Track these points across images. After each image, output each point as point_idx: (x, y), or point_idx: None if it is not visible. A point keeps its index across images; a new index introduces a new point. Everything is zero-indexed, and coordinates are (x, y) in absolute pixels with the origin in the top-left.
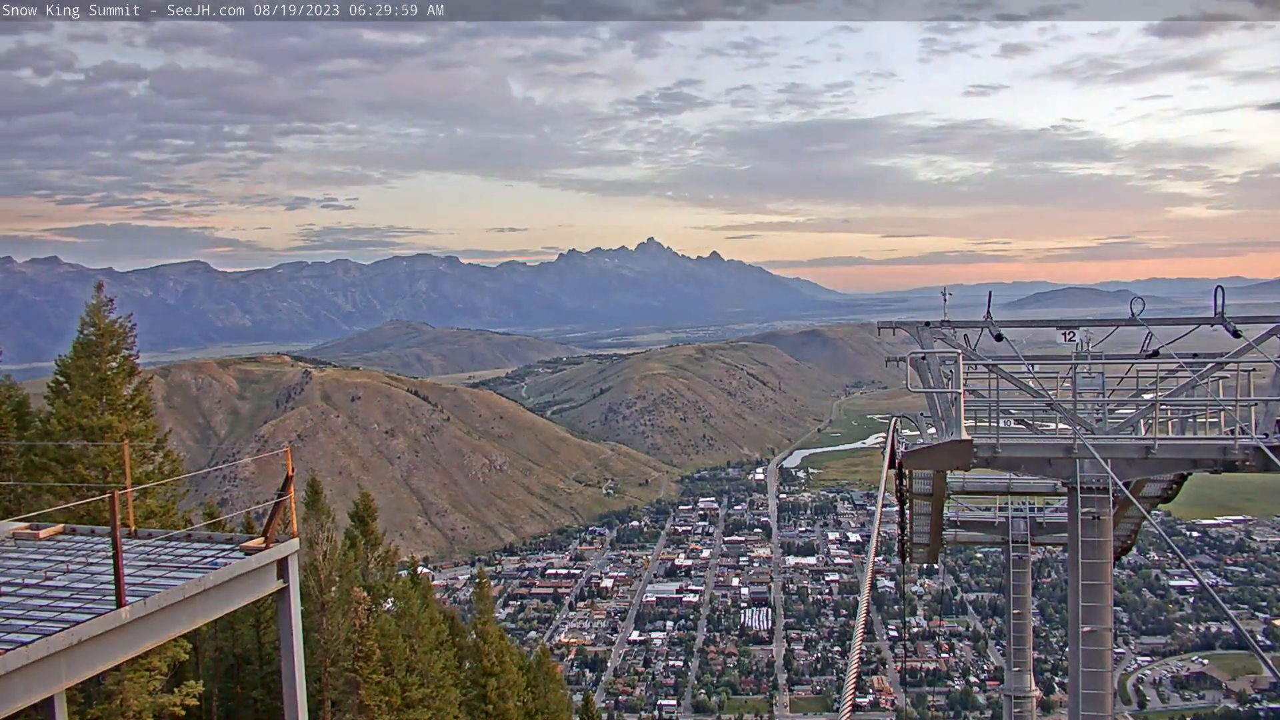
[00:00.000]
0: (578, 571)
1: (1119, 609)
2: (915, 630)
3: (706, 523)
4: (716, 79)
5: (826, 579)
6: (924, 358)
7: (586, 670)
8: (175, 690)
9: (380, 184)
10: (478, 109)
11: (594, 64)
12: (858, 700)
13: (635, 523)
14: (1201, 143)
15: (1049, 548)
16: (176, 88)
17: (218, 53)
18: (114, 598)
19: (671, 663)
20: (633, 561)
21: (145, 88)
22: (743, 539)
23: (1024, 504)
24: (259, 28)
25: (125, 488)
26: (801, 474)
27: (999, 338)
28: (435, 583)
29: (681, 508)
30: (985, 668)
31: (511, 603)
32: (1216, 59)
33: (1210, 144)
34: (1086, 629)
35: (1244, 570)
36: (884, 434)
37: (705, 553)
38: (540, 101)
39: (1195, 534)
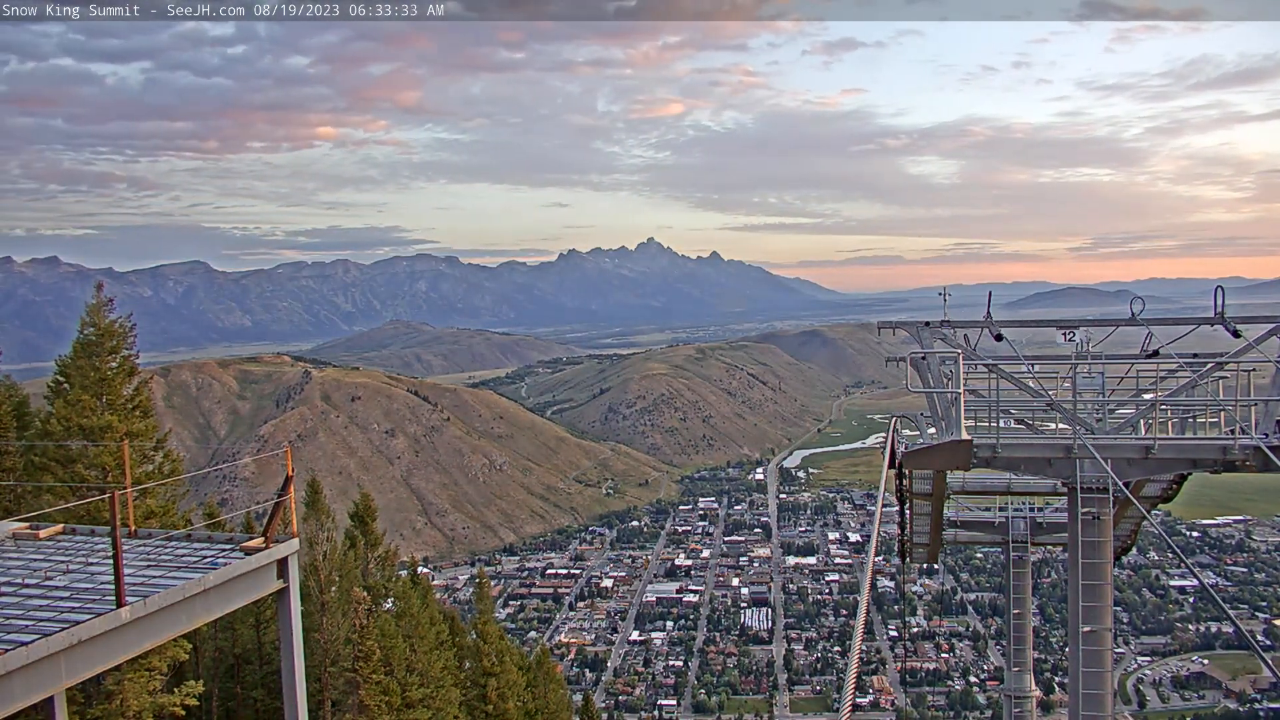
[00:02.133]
0: (578, 571)
1: (1119, 609)
2: (915, 630)
3: (706, 523)
4: (883, 87)
5: (826, 579)
6: (924, 358)
7: (586, 670)
8: (175, 690)
9: (405, 188)
10: (558, 120)
11: (775, 79)
12: (858, 700)
13: (635, 523)
14: (1242, 152)
15: (1049, 548)
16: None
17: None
18: (114, 598)
19: (671, 663)
20: (633, 561)
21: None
22: (743, 539)
23: (1024, 504)
24: (453, 31)
25: (125, 488)
26: (801, 474)
27: (999, 338)
28: (435, 583)
29: (681, 508)
30: (985, 668)
31: (511, 603)
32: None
33: (1247, 153)
34: (1086, 629)
35: (1244, 570)
36: (884, 434)
37: (705, 553)
38: (618, 110)
39: (1195, 534)
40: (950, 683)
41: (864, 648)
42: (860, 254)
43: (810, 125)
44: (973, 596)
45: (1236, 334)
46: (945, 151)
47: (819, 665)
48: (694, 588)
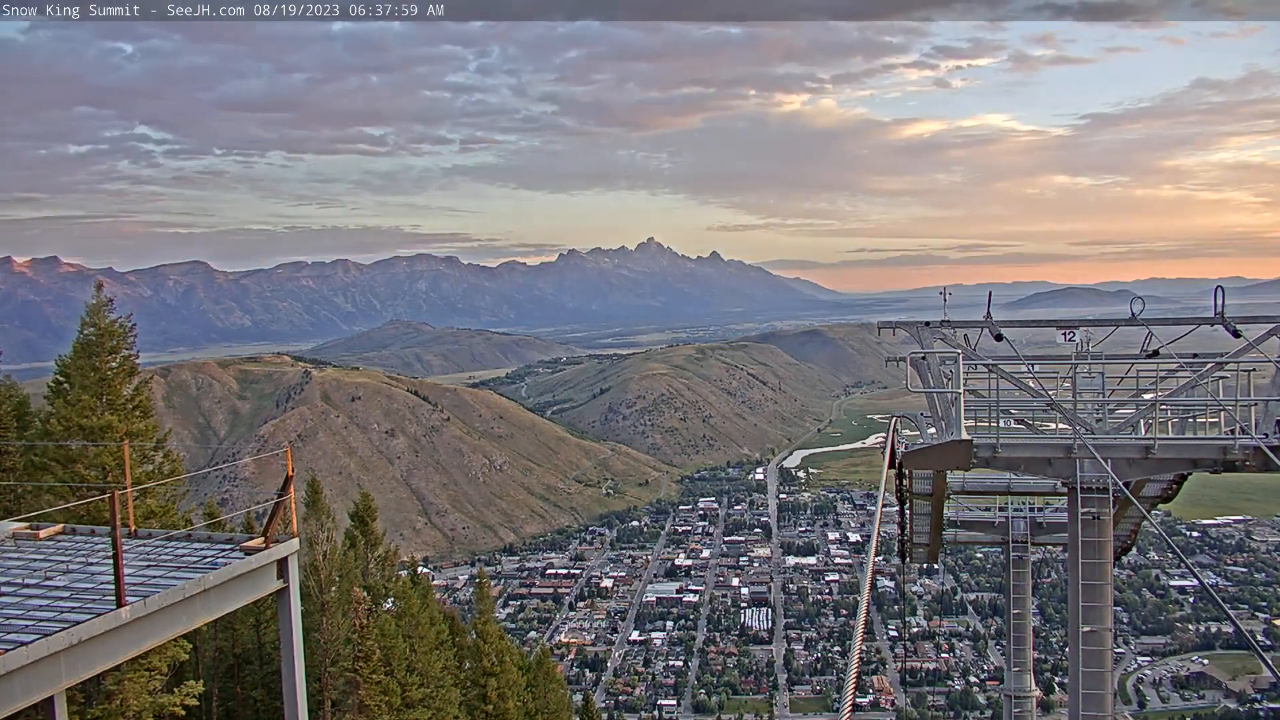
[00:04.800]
0: (578, 571)
1: (1119, 609)
2: (915, 630)
3: (706, 523)
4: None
5: (826, 579)
6: (924, 358)
7: (586, 670)
8: (175, 690)
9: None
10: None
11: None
12: (858, 700)
13: (635, 523)
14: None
15: (1049, 548)
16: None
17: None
18: (114, 598)
19: (671, 663)
20: (633, 561)
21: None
22: (743, 539)
23: (1024, 504)
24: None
25: (125, 488)
26: (801, 474)
27: (999, 338)
28: (435, 583)
29: (681, 508)
30: (985, 668)
31: (511, 603)
32: None
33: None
34: (1086, 629)
35: (1244, 570)
36: (884, 434)
37: (705, 553)
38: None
39: (1195, 534)
40: (950, 683)
41: (864, 648)
42: (861, 254)
43: (828, 129)
44: (973, 596)
45: (1236, 334)
46: (957, 159)
47: (819, 665)
48: (694, 588)
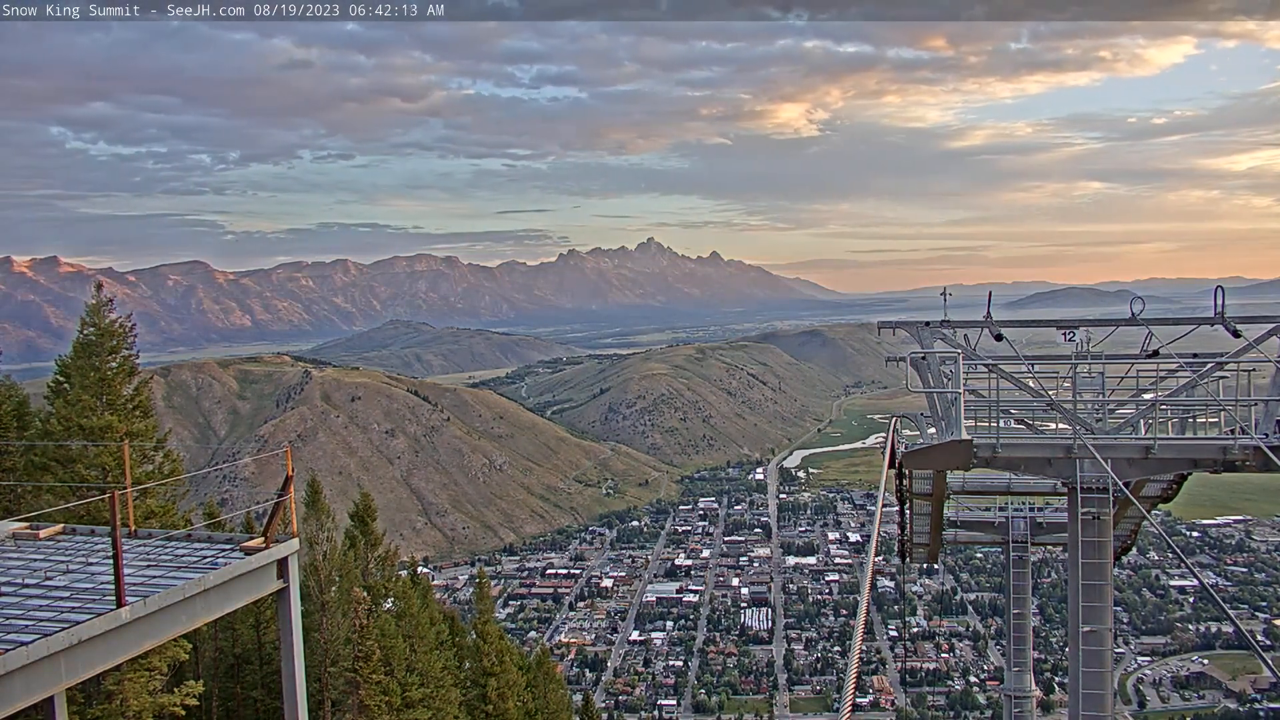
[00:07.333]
0: (578, 571)
1: (1119, 609)
2: (915, 630)
3: (706, 523)
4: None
5: (826, 579)
6: (924, 358)
7: (586, 670)
8: (175, 690)
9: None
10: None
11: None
12: (858, 700)
13: (635, 523)
14: None
15: (1049, 548)
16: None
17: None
18: (114, 598)
19: (671, 663)
20: (633, 561)
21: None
22: (743, 539)
23: (1024, 504)
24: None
25: (125, 488)
26: (801, 474)
27: (999, 338)
28: (435, 583)
29: (681, 508)
30: (985, 668)
31: (511, 603)
32: None
33: None
34: (1086, 629)
35: (1244, 570)
36: (884, 434)
37: (705, 553)
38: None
39: (1195, 534)
40: (950, 683)
41: (864, 648)
42: (861, 254)
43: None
44: (973, 596)
45: (1236, 334)
46: (970, 166)
47: (819, 665)
48: (694, 588)
